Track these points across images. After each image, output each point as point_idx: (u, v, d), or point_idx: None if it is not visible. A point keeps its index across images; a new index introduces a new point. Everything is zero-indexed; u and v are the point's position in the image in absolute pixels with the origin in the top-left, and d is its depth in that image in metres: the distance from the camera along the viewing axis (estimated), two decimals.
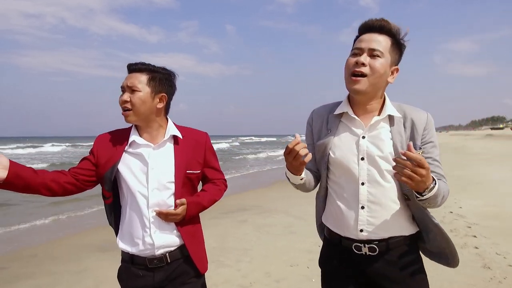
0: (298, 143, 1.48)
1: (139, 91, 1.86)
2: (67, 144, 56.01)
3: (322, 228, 1.96)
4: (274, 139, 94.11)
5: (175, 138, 1.98)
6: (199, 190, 2.12)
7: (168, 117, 2.05)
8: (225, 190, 2.20)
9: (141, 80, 1.87)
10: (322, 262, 1.85)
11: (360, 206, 1.64)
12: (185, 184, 1.95)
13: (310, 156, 1.50)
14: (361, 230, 1.64)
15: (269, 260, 4.92)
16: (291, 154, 1.50)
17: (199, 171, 2.02)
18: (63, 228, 7.71)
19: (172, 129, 1.98)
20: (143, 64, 1.90)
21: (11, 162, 1.70)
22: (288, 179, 1.75)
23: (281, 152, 33.19)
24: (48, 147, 46.83)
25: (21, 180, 1.70)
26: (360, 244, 1.66)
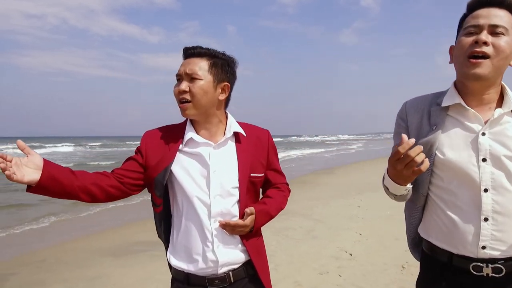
0: (411, 148, 1.19)
1: (200, 79, 1.57)
2: (70, 144, 55.54)
3: (416, 244, 1.66)
4: (281, 139, 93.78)
5: (236, 135, 1.70)
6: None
7: (227, 111, 1.77)
8: (288, 197, 1.91)
9: (201, 67, 1.58)
10: (425, 286, 1.55)
11: (483, 217, 1.34)
12: (249, 189, 1.67)
13: (427, 164, 1.22)
14: (483, 247, 1.34)
15: (296, 267, 4.64)
16: (402, 161, 1.22)
17: (262, 174, 1.74)
18: (68, 230, 7.41)
19: (234, 125, 1.69)
20: (202, 48, 1.61)
21: (45, 161, 1.42)
22: (387, 188, 1.45)
23: (290, 152, 32.91)
24: (60, 148, 46.33)
25: (57, 184, 1.42)
26: (480, 264, 1.36)
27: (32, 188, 1.39)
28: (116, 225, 7.74)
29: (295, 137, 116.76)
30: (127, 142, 66.42)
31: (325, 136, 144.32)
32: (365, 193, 9.80)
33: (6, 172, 1.29)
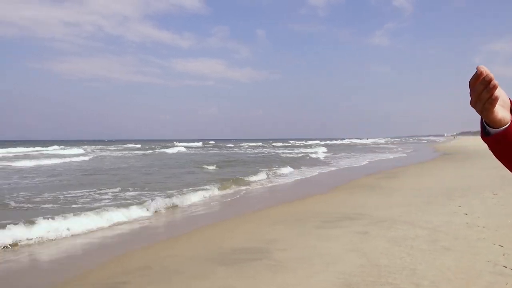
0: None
1: None
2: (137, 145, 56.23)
3: None
4: (319, 142, 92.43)
5: None
6: None
7: None
8: None
9: None
10: None
11: None
12: None
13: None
14: None
15: (465, 284, 3.95)
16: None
17: None
18: (152, 233, 7.04)
19: None
20: None
21: None
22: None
23: (327, 155, 31.96)
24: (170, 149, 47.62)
25: None
26: None
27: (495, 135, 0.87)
28: (193, 228, 7.32)
29: (338, 140, 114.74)
30: (170, 144, 67.49)
31: (357, 139, 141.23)
32: (458, 199, 8.95)
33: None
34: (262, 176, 16.25)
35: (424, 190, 11.02)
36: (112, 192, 11.57)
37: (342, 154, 36.19)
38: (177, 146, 56.37)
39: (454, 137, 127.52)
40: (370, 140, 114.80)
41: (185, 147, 55.24)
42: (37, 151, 44.22)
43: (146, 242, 6.69)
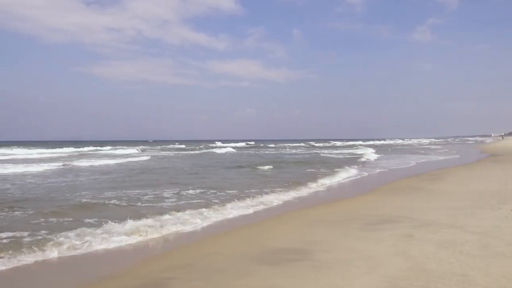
0: None
1: None
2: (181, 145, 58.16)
3: None
4: (362, 142, 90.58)
5: None
6: None
7: None
8: None
9: None
10: None
11: None
12: None
13: None
14: None
15: None
16: None
17: None
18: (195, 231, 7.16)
19: None
20: None
21: None
22: None
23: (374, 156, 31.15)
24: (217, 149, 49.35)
25: None
26: None
27: None
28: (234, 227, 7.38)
29: (379, 141, 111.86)
30: (210, 145, 68.69)
31: (400, 139, 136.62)
32: (510, 203, 8.48)
33: None
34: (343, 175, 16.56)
35: (472, 193, 10.54)
36: (200, 191, 12.05)
37: (391, 155, 35.09)
38: (225, 146, 57.26)
39: (503, 138, 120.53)
40: (413, 141, 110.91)
41: (232, 147, 55.81)
42: (92, 151, 46.65)
43: (192, 239, 6.84)
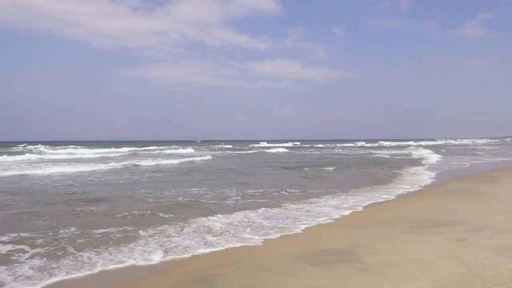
0: None
1: None
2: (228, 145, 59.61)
3: None
4: (414, 142, 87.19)
5: None
6: None
7: None
8: None
9: None
10: None
11: None
12: None
13: None
14: None
15: None
16: None
17: None
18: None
19: None
20: None
21: None
22: None
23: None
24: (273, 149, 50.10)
25: None
26: None
27: None
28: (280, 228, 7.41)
29: (430, 141, 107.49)
30: (254, 145, 69.24)
31: (452, 140, 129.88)
32: None
33: None
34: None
35: None
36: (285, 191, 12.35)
37: (447, 156, 33.31)
38: (275, 146, 57.20)
39: None
40: (467, 141, 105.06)
41: (282, 147, 55.78)
42: (152, 150, 48.46)
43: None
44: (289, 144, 75.68)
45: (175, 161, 27.58)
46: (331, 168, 21.05)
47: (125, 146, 55.66)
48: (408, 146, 64.50)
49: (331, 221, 8.03)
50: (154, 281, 4.86)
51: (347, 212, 8.89)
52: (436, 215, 8.07)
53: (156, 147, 54.97)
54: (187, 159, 29.79)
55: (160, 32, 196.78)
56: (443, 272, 4.51)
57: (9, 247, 6.07)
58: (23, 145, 56.67)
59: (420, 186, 13.33)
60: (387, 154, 38.58)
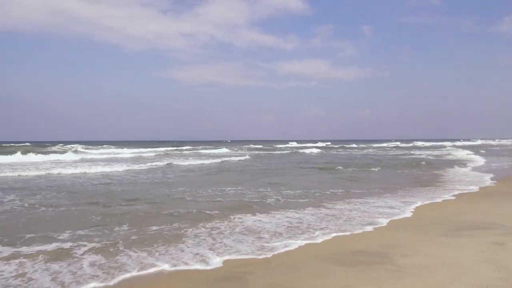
0: None
1: None
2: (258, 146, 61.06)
3: None
4: (450, 143, 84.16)
5: None
6: None
7: None
8: None
9: None
10: None
11: None
12: None
13: None
14: None
15: None
16: None
17: None
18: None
19: None
20: None
21: None
22: None
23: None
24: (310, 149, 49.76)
25: None
26: None
27: None
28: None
29: (466, 141, 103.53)
30: (281, 146, 69.17)
31: (490, 140, 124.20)
32: None
33: None
34: None
35: None
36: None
37: (488, 157, 31.48)
38: (309, 147, 56.53)
39: None
40: (505, 142, 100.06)
41: (316, 147, 55.37)
42: (186, 150, 49.09)
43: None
44: (321, 144, 75.02)
45: (213, 161, 27.87)
46: (376, 169, 20.54)
47: (157, 147, 56.72)
48: (444, 146, 62.40)
49: (383, 225, 7.81)
50: (186, 277, 4.95)
51: (399, 214, 8.60)
52: (472, 218, 7.81)
53: (189, 147, 56.00)
54: (224, 159, 30.03)
55: (189, 34, 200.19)
56: (480, 276, 4.38)
57: (68, 244, 6.19)
58: (60, 144, 59.08)
59: (465, 188, 12.87)
60: (425, 154, 37.48)
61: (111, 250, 5.87)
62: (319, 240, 6.43)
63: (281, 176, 17.59)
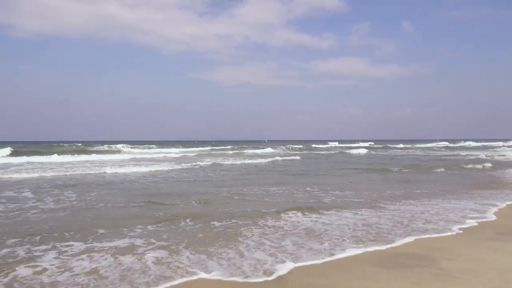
0: None
1: None
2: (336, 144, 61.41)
3: None
4: (492, 143, 79.91)
5: None
6: None
7: None
8: None
9: None
10: None
11: None
12: None
13: None
14: None
15: None
16: None
17: None
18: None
19: None
20: None
21: None
22: None
23: None
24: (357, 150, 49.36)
25: None
26: None
27: None
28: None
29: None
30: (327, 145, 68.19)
31: None
32: None
33: None
34: None
35: None
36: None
37: None
38: (355, 147, 55.36)
39: None
40: None
41: (366, 148, 54.40)
42: (229, 149, 50.04)
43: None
44: (363, 144, 73.43)
45: (261, 160, 27.97)
46: (439, 170, 19.86)
47: (197, 146, 57.29)
48: (497, 146, 59.06)
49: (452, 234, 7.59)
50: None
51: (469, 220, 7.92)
52: None
53: (231, 147, 56.70)
54: (273, 159, 30.03)
55: (224, 35, 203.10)
56: None
57: (138, 241, 6.31)
58: (105, 144, 61.54)
59: None
60: (483, 155, 35.66)
61: (173, 248, 5.94)
62: (396, 244, 6.19)
63: (338, 177, 17.37)
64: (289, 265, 5.22)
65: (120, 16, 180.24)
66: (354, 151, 45.47)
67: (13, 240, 6.31)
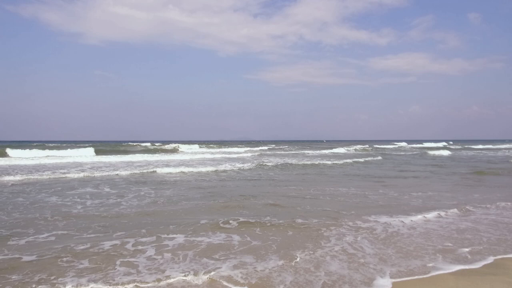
0: None
1: None
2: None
3: None
4: None
5: None
6: None
7: None
8: None
9: None
10: None
11: None
12: None
13: None
14: None
15: None
16: None
17: None
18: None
19: None
20: None
21: None
22: None
23: None
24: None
25: None
26: None
27: None
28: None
29: None
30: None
31: None
32: None
33: None
34: None
35: None
36: None
37: None
38: (437, 148, 52.37)
39: None
40: None
41: (444, 148, 51.50)
42: (288, 150, 49.83)
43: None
44: (434, 145, 69.11)
45: (341, 161, 26.64)
46: None
47: (256, 146, 57.00)
48: None
49: None
50: None
51: None
52: None
53: (287, 146, 56.04)
54: (352, 160, 28.28)
55: (278, 35, 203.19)
56: None
57: (222, 237, 6.53)
58: (170, 143, 64.00)
59: None
60: None
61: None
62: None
63: (440, 182, 15.07)
64: None
65: (181, 21, 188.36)
66: (435, 152, 42.04)
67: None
